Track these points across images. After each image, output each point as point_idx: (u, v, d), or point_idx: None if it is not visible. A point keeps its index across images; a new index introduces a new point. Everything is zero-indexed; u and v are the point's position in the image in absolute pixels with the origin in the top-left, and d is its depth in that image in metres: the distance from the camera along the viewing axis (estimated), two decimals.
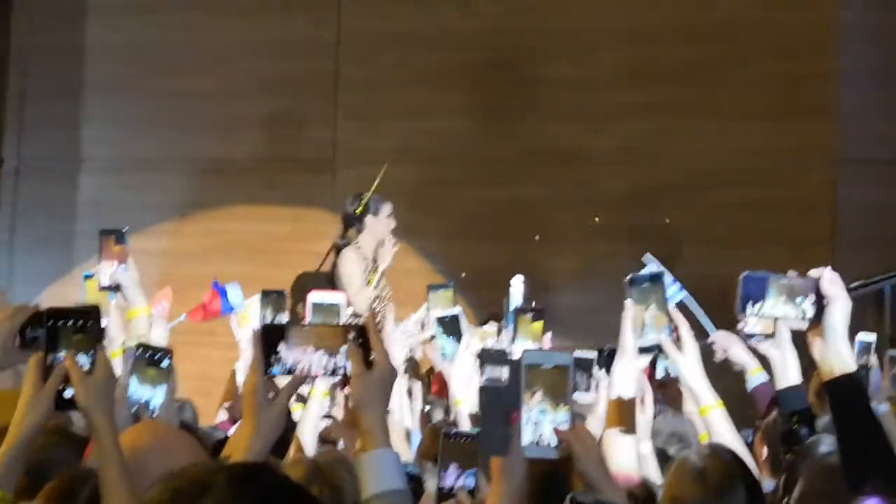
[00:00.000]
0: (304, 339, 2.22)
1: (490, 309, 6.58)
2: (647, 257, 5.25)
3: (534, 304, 3.68)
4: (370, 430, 2.16)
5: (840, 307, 2.44)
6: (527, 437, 2.36)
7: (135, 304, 3.79)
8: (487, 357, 3.86)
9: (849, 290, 2.54)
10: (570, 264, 8.45)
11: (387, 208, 7.83)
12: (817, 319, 2.46)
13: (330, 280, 7.91)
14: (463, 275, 7.89)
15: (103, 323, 2.44)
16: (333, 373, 2.24)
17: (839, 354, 2.41)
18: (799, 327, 2.55)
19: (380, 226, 7.82)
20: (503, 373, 2.67)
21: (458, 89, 8.77)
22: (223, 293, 6.08)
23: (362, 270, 7.64)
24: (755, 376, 4.06)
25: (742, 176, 8.28)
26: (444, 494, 3.04)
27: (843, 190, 8.29)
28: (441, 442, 3.09)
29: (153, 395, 3.19)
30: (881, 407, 4.28)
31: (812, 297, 2.47)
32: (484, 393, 2.59)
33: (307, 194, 8.75)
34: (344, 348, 2.20)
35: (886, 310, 7.34)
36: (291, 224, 8.80)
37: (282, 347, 2.21)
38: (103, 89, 9.25)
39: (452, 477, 3.05)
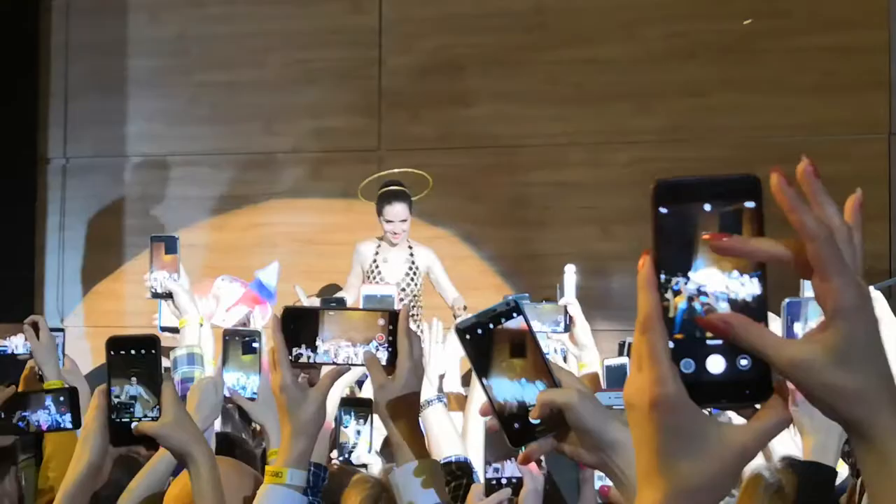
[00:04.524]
0: (337, 330, 2.04)
1: (542, 295, 6.49)
2: None
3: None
4: (398, 443, 2.03)
5: (883, 329, 2.33)
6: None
7: (186, 312, 3.76)
8: None
9: None
10: (619, 246, 8.35)
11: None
12: None
13: None
14: None
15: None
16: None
17: None
18: None
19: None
20: None
21: (499, 74, 8.67)
22: (259, 286, 6.07)
23: (368, 260, 7.49)
24: None
25: (793, 151, 8.12)
26: (492, 486, 2.96)
27: None
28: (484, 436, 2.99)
29: (247, 381, 3.10)
30: None
31: None
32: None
33: (353, 184, 8.70)
34: (374, 340, 2.04)
35: None
36: (338, 215, 8.75)
37: (317, 339, 2.03)
38: (146, 84, 9.24)
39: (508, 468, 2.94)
